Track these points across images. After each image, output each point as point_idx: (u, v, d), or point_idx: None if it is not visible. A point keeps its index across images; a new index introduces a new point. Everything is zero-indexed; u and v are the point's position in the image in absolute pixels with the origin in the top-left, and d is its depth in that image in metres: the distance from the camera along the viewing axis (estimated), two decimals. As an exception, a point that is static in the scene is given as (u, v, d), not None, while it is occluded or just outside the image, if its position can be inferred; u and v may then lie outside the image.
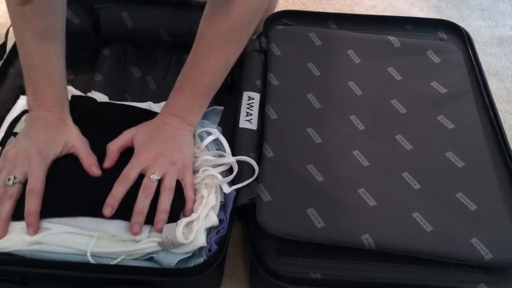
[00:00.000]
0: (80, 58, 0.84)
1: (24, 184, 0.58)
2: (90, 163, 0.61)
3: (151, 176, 0.59)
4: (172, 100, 0.64)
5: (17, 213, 0.57)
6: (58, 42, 0.63)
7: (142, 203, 0.58)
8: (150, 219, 0.58)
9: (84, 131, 0.65)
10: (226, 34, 0.61)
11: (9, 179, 0.57)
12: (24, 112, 0.68)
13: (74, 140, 0.62)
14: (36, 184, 0.57)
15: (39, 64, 0.61)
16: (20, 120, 0.68)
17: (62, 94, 0.64)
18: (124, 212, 0.57)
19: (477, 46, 0.85)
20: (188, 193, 0.61)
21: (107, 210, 0.57)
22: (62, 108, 0.64)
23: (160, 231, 0.57)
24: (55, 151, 0.60)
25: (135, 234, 0.56)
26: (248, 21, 0.61)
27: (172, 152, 0.61)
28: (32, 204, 0.56)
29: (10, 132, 0.66)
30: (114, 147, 0.62)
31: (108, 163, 0.61)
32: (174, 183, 0.60)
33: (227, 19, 0.59)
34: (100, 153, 0.62)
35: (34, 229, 0.56)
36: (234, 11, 0.59)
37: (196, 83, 0.63)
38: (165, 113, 0.64)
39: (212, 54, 0.62)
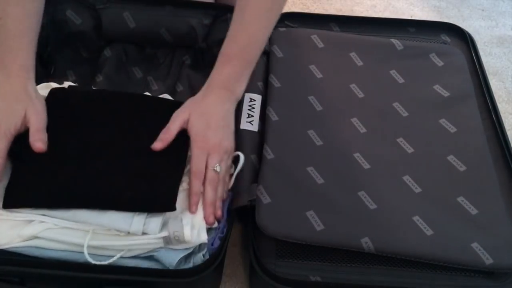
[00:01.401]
0: (82, 59, 0.84)
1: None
2: (35, 138, 0.59)
3: (215, 168, 0.60)
4: (219, 72, 0.65)
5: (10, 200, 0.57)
6: (37, 2, 0.61)
7: (211, 196, 0.59)
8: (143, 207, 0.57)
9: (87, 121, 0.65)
10: None
11: None
12: None
13: (31, 114, 0.60)
14: None
15: (12, 25, 0.59)
16: None
17: (31, 61, 0.62)
18: (114, 201, 0.57)
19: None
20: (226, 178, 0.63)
21: (194, 207, 0.59)
22: (28, 77, 0.62)
23: (211, 223, 0.58)
24: (15, 125, 0.59)
25: (211, 224, 0.59)
26: None
27: (226, 140, 0.64)
28: None
29: None
30: (175, 128, 0.62)
31: (164, 142, 0.61)
32: (229, 173, 0.64)
33: None
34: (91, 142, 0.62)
35: None
36: None
37: (243, 52, 0.65)
38: (212, 86, 0.65)
39: (258, 21, 0.65)
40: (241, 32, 0.65)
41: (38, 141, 0.59)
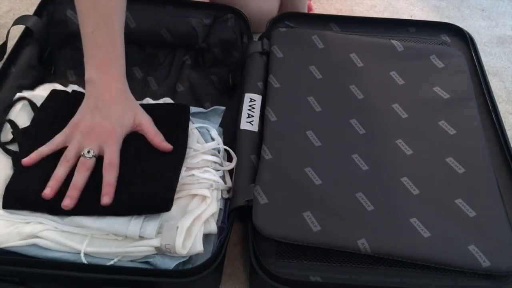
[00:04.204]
0: (82, 59, 0.83)
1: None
2: (159, 140, 0.62)
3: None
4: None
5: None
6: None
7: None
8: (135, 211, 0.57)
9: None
10: None
11: (88, 152, 0.58)
12: (19, 99, 0.67)
13: (141, 117, 0.63)
14: (115, 158, 0.59)
15: (111, 33, 0.62)
16: (15, 109, 0.67)
17: (124, 66, 0.64)
18: (116, 207, 0.57)
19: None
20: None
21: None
22: (125, 81, 0.64)
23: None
24: (126, 128, 0.62)
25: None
26: None
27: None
28: (111, 175, 0.58)
29: (3, 119, 0.65)
30: None
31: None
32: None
33: None
34: None
35: (111, 197, 0.57)
36: None
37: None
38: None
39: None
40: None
41: (163, 142, 0.62)
